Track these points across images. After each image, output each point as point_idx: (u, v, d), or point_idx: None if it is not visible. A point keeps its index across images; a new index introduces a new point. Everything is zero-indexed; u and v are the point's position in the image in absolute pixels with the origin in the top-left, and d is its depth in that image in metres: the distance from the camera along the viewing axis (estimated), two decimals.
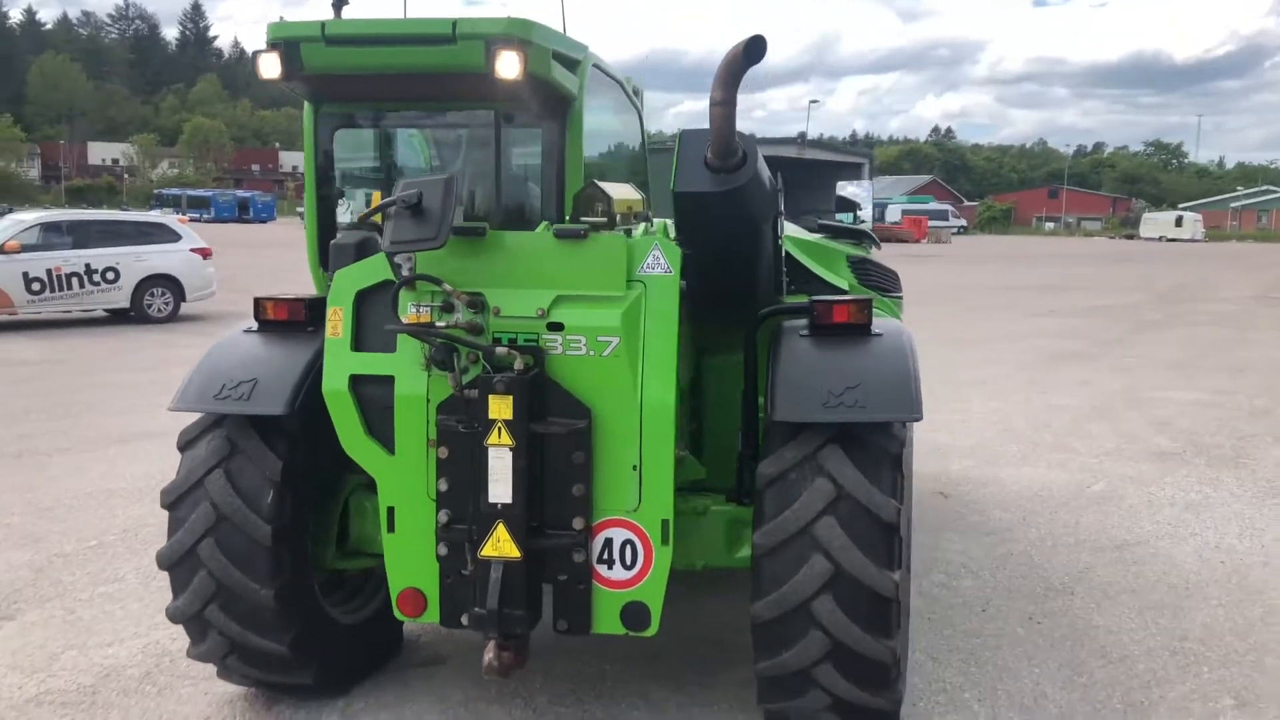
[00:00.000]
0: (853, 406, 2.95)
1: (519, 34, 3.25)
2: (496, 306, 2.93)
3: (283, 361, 3.25)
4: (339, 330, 3.04)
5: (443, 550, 2.96)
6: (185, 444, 3.29)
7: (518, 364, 2.82)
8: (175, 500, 3.23)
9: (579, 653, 3.87)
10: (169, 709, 3.50)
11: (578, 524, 2.91)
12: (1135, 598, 4.59)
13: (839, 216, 6.05)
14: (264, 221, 71.94)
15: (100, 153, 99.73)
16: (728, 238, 3.33)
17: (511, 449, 2.81)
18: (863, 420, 2.95)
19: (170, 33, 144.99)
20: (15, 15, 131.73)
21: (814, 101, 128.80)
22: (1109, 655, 3.98)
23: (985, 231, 72.35)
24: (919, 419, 2.98)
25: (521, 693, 3.60)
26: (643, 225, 3.57)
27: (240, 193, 79.18)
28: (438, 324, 2.86)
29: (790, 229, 4.14)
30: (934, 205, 68.25)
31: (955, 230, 65.52)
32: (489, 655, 2.88)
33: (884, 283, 4.27)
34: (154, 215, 19.20)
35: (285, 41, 3.36)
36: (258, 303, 3.44)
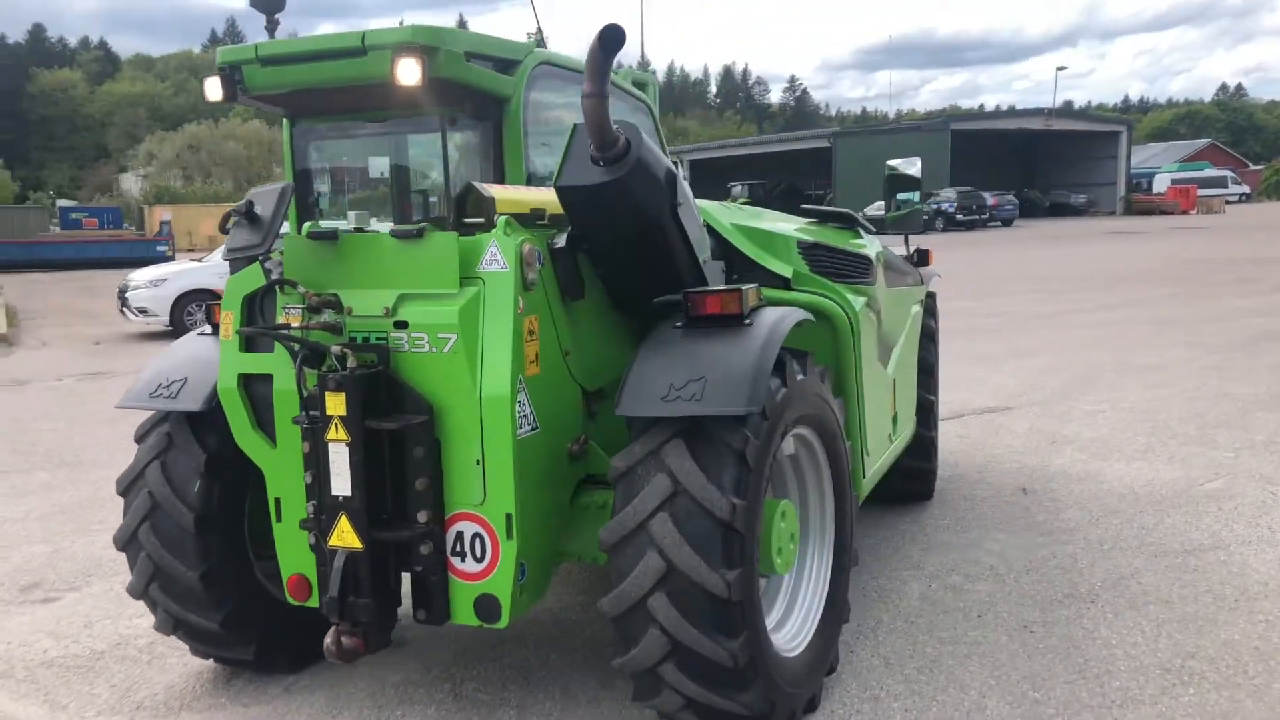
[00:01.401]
0: (689, 400, 2.89)
1: (422, 41, 3.38)
2: (349, 307, 3.07)
3: (212, 362, 3.54)
4: (229, 332, 3.29)
5: (311, 539, 3.14)
6: (138, 437, 3.66)
7: (351, 361, 2.96)
8: (125, 488, 3.60)
9: (509, 643, 3.97)
10: (149, 676, 3.89)
11: (422, 517, 3.01)
12: (1166, 609, 4.12)
13: (900, 197, 5.76)
14: None
15: None
16: (617, 229, 3.32)
17: (348, 444, 2.95)
18: (694, 414, 2.88)
19: None
20: None
21: (1061, 68, 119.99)
22: (1087, 671, 3.61)
23: (1273, 198, 64.99)
24: (751, 412, 2.86)
25: (451, 678, 3.74)
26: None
27: None
28: (308, 324, 3.04)
29: (736, 215, 4.03)
30: (1211, 172, 62.09)
31: (1236, 198, 59.39)
32: (328, 639, 3.04)
33: (846, 269, 4.06)
34: None
35: (229, 65, 3.65)
36: (207, 308, 3.76)
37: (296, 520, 3.21)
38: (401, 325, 3.02)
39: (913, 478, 5.47)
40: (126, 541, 3.58)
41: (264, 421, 3.28)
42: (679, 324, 3.19)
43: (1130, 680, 3.53)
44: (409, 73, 3.34)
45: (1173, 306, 14.39)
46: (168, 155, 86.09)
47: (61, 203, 65.17)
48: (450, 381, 2.98)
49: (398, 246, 3.06)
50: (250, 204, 3.03)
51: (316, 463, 3.03)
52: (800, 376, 3.22)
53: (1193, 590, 4.30)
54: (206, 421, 3.50)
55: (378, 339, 3.04)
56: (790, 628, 3.43)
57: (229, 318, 3.30)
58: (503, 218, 3.06)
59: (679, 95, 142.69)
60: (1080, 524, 5.23)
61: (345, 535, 2.99)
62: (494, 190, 3.30)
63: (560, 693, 3.60)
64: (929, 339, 5.42)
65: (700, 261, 3.55)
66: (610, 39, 2.99)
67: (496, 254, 2.99)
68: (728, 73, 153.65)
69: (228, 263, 3.44)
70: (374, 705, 3.59)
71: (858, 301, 3.95)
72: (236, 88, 3.65)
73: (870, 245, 4.54)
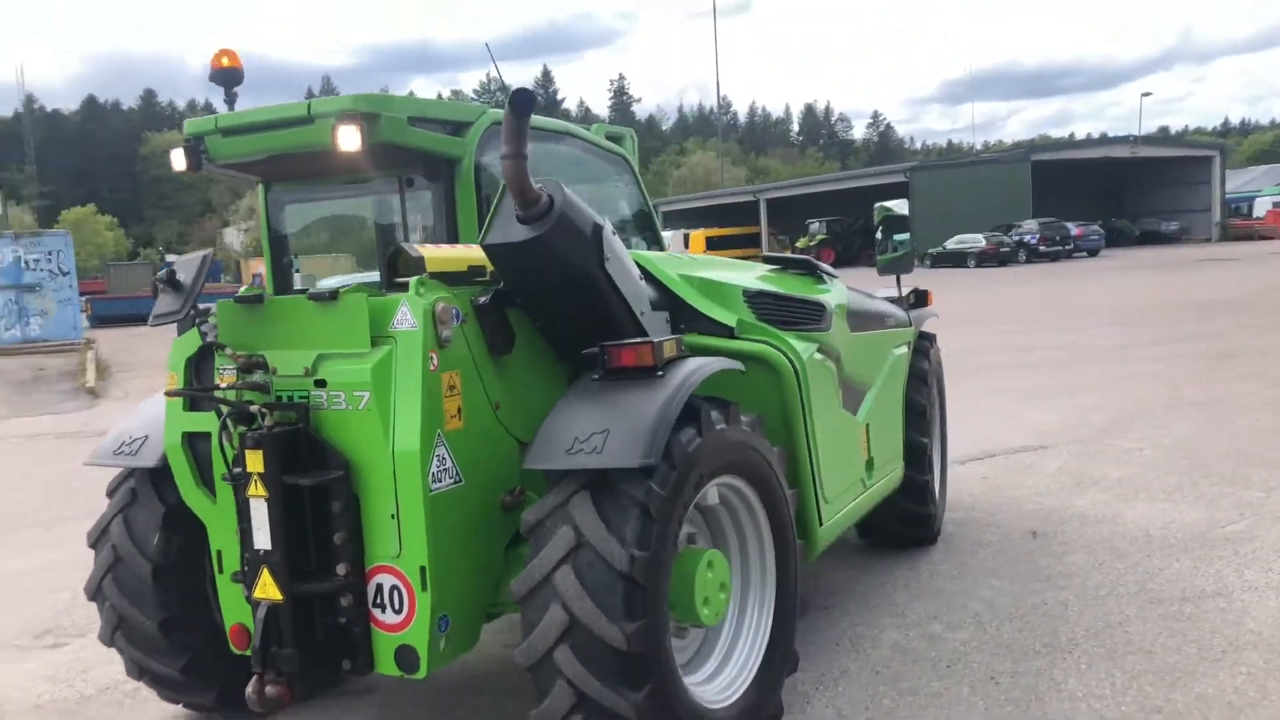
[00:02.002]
0: (590, 453, 2.92)
1: (362, 109, 3.54)
2: (274, 367, 3.20)
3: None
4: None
5: (245, 591, 3.25)
6: (108, 492, 3.84)
7: (268, 420, 3.07)
8: (94, 541, 3.78)
9: (486, 692, 4.01)
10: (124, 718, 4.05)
11: (341, 569, 3.09)
12: (1145, 659, 3.97)
13: (895, 239, 5.74)
14: None
15: None
16: (546, 283, 3.39)
17: (266, 499, 3.05)
18: (592, 467, 2.91)
19: None
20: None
21: (1146, 94, 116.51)
22: None
23: None
24: (648, 465, 2.88)
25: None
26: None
27: None
28: (238, 384, 3.17)
29: (683, 265, 4.06)
30: None
31: None
32: (250, 688, 3.13)
33: (795, 316, 4.04)
34: None
35: (194, 136, 3.86)
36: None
37: (232, 572, 3.32)
38: (321, 384, 3.13)
39: (909, 522, 5.38)
40: (94, 592, 3.74)
41: (206, 478, 3.41)
42: (596, 376, 3.24)
43: None
44: (349, 139, 3.49)
45: (1242, 338, 13.83)
46: None
47: (170, 258, 68.36)
48: (365, 438, 3.07)
49: (315, 309, 3.18)
50: (172, 272, 3.20)
51: (241, 517, 3.14)
52: (721, 426, 3.22)
53: (1179, 640, 4.13)
54: (167, 477, 3.65)
55: (300, 397, 3.16)
56: (724, 678, 3.41)
57: (173, 379, 3.45)
58: (415, 278, 3.15)
59: (760, 135, 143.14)
60: (1081, 569, 5.06)
61: (267, 587, 3.09)
62: (429, 250, 3.41)
63: None
64: (920, 380, 5.34)
65: (638, 314, 3.60)
66: (520, 103, 3.08)
67: (407, 314, 3.08)
68: (809, 110, 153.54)
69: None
70: None
71: (806, 348, 3.94)
72: (201, 157, 3.86)
73: (832, 291, 4.51)
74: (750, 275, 4.25)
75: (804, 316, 4.09)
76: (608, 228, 3.47)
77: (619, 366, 3.20)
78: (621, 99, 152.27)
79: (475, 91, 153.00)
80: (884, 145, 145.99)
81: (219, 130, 3.82)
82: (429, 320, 3.07)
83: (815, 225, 52.18)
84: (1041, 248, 41.91)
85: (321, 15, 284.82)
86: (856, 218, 52.72)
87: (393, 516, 3.06)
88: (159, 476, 3.68)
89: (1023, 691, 3.78)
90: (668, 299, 3.88)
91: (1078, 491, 6.56)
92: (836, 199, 54.62)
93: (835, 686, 3.92)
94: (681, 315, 3.89)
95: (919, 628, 4.45)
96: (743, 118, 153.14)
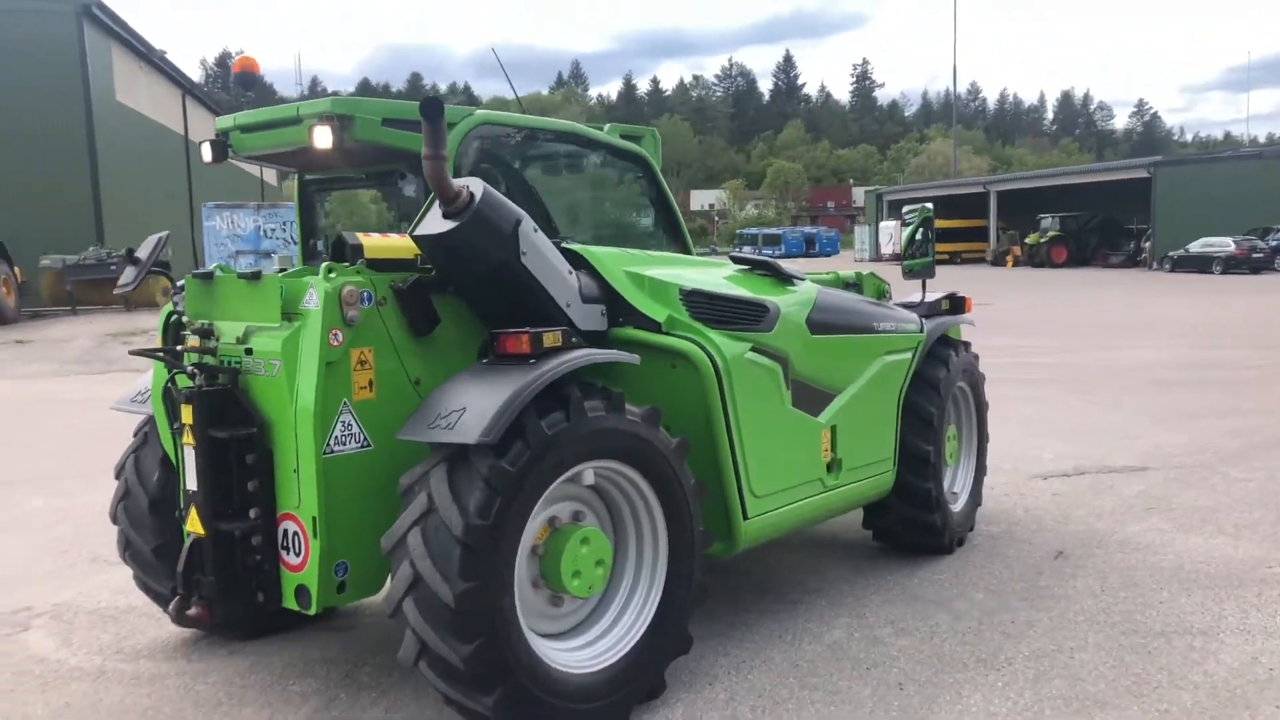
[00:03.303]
0: (444, 428, 3.25)
1: (339, 111, 4.02)
2: (219, 334, 3.70)
3: None
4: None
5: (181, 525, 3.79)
6: (134, 433, 4.49)
7: (199, 380, 3.57)
8: (116, 474, 4.44)
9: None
10: (146, 629, 4.72)
11: (253, 514, 3.55)
12: (1069, 685, 3.86)
13: (907, 264, 5.74)
14: (828, 255, 75.94)
15: (700, 199, 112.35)
16: (469, 273, 3.73)
17: (194, 448, 3.56)
18: (439, 441, 3.24)
19: (765, 84, 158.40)
20: (643, 85, 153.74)
21: None
22: None
23: None
24: (483, 442, 3.16)
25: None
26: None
27: (807, 229, 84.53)
28: (190, 347, 3.71)
29: (632, 262, 4.25)
30: None
31: None
32: (172, 606, 3.65)
33: (731, 316, 4.15)
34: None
35: (222, 132, 4.46)
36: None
37: None
38: (249, 352, 3.60)
39: (912, 528, 5.35)
40: (113, 517, 4.42)
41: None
42: (486, 360, 3.55)
43: None
44: (323, 138, 3.98)
45: None
46: None
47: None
48: (278, 401, 3.52)
49: (244, 287, 3.66)
50: (131, 250, 3.76)
51: (178, 462, 3.67)
52: (599, 414, 3.46)
53: (1118, 672, 3.98)
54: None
55: (234, 362, 3.65)
56: (599, 647, 3.64)
57: (157, 340, 4.04)
58: (326, 263, 3.56)
59: (1010, 123, 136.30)
60: (1078, 594, 4.89)
61: (194, 523, 3.61)
62: (370, 239, 3.82)
63: (383, 697, 4.01)
64: (931, 388, 5.27)
65: (563, 305, 3.87)
66: (428, 109, 3.43)
67: (313, 295, 3.50)
68: (1066, 98, 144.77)
69: None
70: (336, 666, 4.18)
71: (735, 347, 4.07)
72: (227, 150, 4.45)
73: (791, 295, 4.57)
74: (702, 274, 4.39)
75: (741, 316, 4.21)
76: (527, 224, 3.75)
77: (503, 352, 3.49)
78: (863, 84, 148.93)
79: (716, 77, 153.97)
80: (1148, 136, 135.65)
81: (238, 128, 4.39)
82: (332, 301, 3.47)
83: (1047, 221, 49.43)
84: None
85: (583, 3, 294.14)
86: (1094, 215, 49.60)
87: (295, 471, 3.50)
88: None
89: (920, 701, 3.79)
90: (607, 293, 4.11)
91: (1141, 517, 6.23)
92: (1073, 193, 51.49)
93: (747, 673, 4.06)
94: (620, 309, 4.11)
95: (868, 630, 4.49)
96: (992, 104, 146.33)
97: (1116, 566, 5.29)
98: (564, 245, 4.15)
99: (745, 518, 4.12)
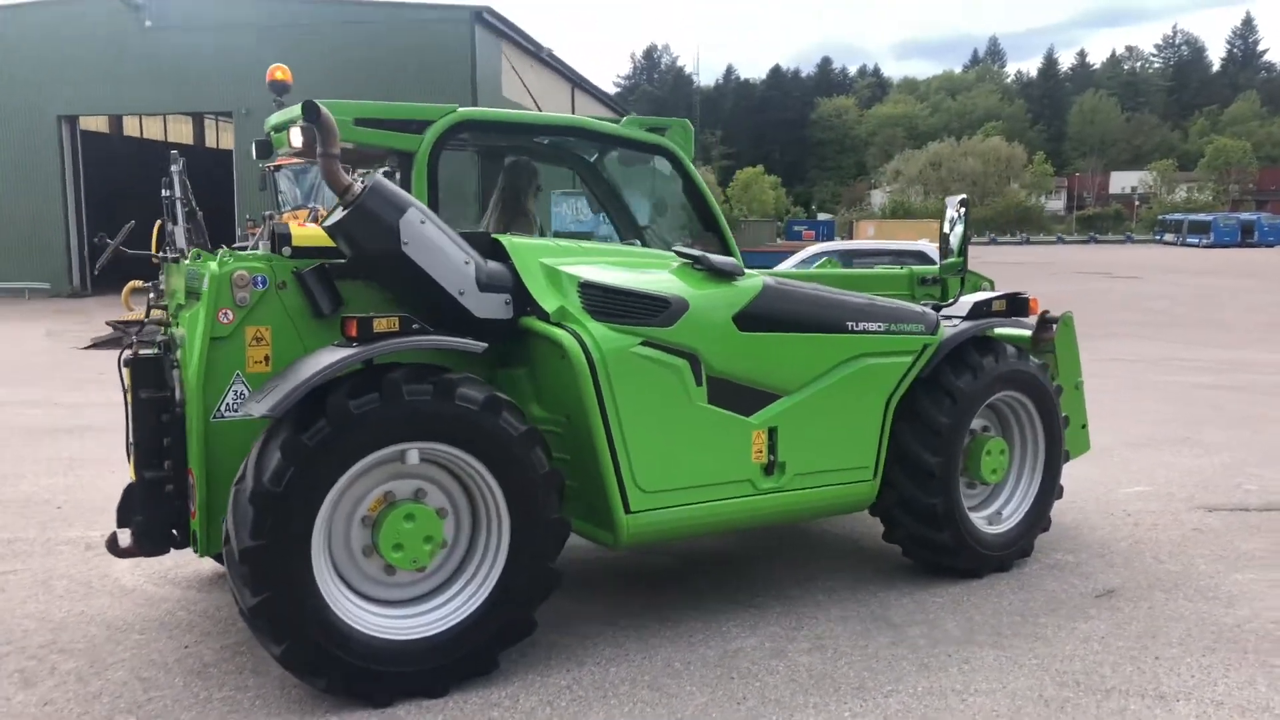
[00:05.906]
0: (257, 402, 3.63)
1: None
2: (177, 309, 4.34)
3: None
4: None
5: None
6: None
7: (136, 348, 4.22)
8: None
9: None
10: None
11: (166, 465, 4.15)
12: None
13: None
14: (1270, 245, 66.28)
15: (1121, 181, 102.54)
16: (361, 260, 4.09)
17: (129, 405, 4.22)
18: (249, 414, 3.62)
19: (1216, 53, 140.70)
20: (1067, 60, 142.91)
21: None
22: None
23: None
24: (270, 417, 3.50)
25: None
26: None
27: (1246, 216, 74.16)
28: (156, 319, 4.42)
29: (559, 254, 4.32)
30: None
31: None
32: (106, 537, 4.32)
33: (626, 310, 4.03)
34: (918, 245, 20.27)
35: (268, 131, 5.18)
36: None
37: None
38: (177, 325, 4.21)
39: (922, 546, 4.91)
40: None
41: None
42: (336, 342, 3.87)
43: None
44: (297, 139, 4.53)
45: None
46: (911, 172, 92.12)
47: (822, 216, 73.79)
48: (185, 369, 4.09)
49: (175, 269, 4.26)
50: (103, 236, 4.48)
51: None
52: (421, 397, 3.67)
53: None
54: None
55: (169, 334, 4.28)
56: (427, 619, 3.83)
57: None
58: (223, 249, 4.06)
59: None
60: (1071, 637, 4.27)
61: (130, 469, 4.29)
62: (299, 229, 4.30)
63: None
64: (947, 395, 4.75)
65: (455, 294, 4.10)
66: (306, 111, 3.83)
67: (205, 280, 4.01)
68: None
69: None
70: None
71: (618, 340, 4.02)
72: (270, 149, 5.16)
73: (722, 290, 4.35)
74: (619, 270, 4.33)
75: (637, 310, 4.14)
76: (413, 216, 4.02)
77: (345, 335, 3.80)
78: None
79: (1157, 46, 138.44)
80: None
81: (272, 128, 5.07)
82: (219, 283, 3.95)
83: None
84: None
85: None
86: None
87: (192, 432, 4.06)
88: None
89: (744, 713, 3.60)
90: (518, 283, 4.26)
91: (1236, 564, 5.21)
92: None
93: (606, 664, 4.03)
94: (525, 299, 4.24)
95: (784, 640, 4.25)
96: None
97: (1164, 613, 4.51)
98: (489, 235, 4.38)
99: (628, 511, 4.10)
